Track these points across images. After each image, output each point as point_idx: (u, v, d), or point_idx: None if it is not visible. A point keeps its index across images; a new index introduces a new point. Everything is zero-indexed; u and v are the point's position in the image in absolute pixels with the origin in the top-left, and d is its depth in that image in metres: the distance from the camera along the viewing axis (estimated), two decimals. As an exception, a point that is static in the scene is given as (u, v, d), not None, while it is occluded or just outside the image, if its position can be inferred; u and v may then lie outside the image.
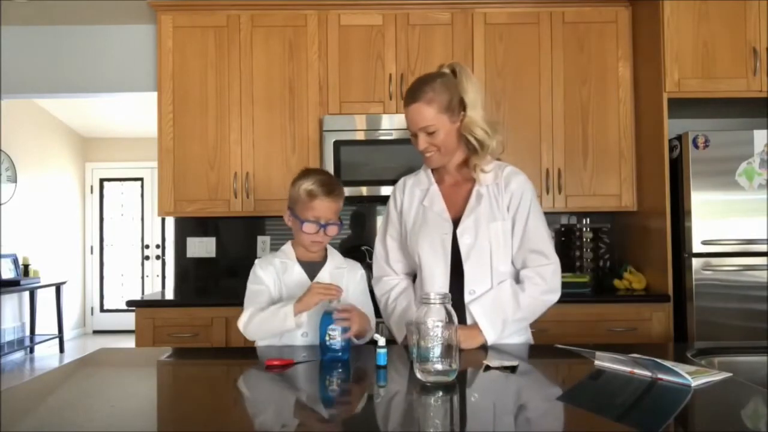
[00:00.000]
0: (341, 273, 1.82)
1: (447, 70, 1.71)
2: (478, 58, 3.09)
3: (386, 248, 1.86)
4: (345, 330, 1.54)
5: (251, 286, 1.80)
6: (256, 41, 3.13)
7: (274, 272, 1.79)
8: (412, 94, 1.67)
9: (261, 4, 3.12)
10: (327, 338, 1.53)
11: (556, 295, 1.71)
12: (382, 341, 1.43)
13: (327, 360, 1.53)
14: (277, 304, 1.68)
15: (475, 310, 1.65)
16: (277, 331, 1.68)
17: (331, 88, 3.11)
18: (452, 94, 1.65)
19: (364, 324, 1.69)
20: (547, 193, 3.05)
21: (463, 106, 1.67)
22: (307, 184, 1.75)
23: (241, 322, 1.72)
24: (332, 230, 1.78)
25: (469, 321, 1.67)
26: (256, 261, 1.85)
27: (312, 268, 1.80)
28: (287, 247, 1.85)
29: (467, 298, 1.67)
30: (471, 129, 1.68)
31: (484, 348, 1.63)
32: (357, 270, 1.88)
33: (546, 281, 1.69)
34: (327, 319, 1.55)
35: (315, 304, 1.60)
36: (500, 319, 1.65)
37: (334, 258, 1.86)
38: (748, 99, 2.81)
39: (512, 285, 1.70)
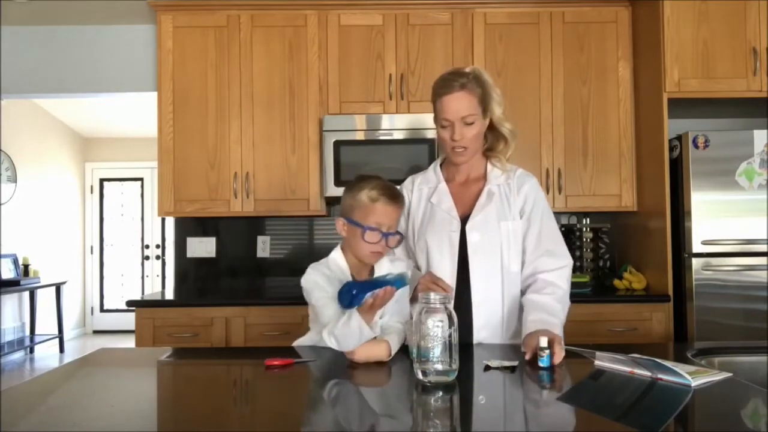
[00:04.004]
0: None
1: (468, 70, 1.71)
2: (478, 58, 3.08)
3: None
4: (372, 292, 1.44)
5: (321, 298, 1.58)
6: (256, 41, 3.13)
7: (336, 282, 1.61)
8: (452, 84, 1.64)
9: (261, 4, 3.12)
10: (354, 290, 1.44)
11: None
12: (544, 342, 1.39)
13: (342, 290, 1.47)
14: (341, 318, 1.50)
15: (544, 327, 1.55)
16: (358, 342, 1.49)
17: (331, 88, 3.11)
18: (484, 91, 1.67)
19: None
20: (547, 193, 3.05)
21: (487, 105, 1.68)
22: (369, 189, 1.62)
23: (329, 342, 1.52)
24: (394, 241, 1.63)
25: (475, 321, 1.67)
26: (313, 269, 1.65)
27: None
28: (339, 259, 1.67)
29: (474, 296, 1.68)
30: (503, 122, 1.72)
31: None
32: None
33: (565, 283, 1.71)
34: (377, 283, 1.46)
35: (380, 308, 1.48)
36: (559, 325, 1.62)
37: (381, 265, 1.69)
38: (748, 99, 2.81)
39: (541, 295, 1.66)
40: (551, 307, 1.64)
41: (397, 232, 1.65)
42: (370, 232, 1.58)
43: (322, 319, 1.56)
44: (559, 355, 1.44)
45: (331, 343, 1.50)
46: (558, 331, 1.59)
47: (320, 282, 1.60)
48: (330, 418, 1.16)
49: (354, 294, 1.43)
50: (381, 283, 1.45)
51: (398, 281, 1.46)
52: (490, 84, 1.69)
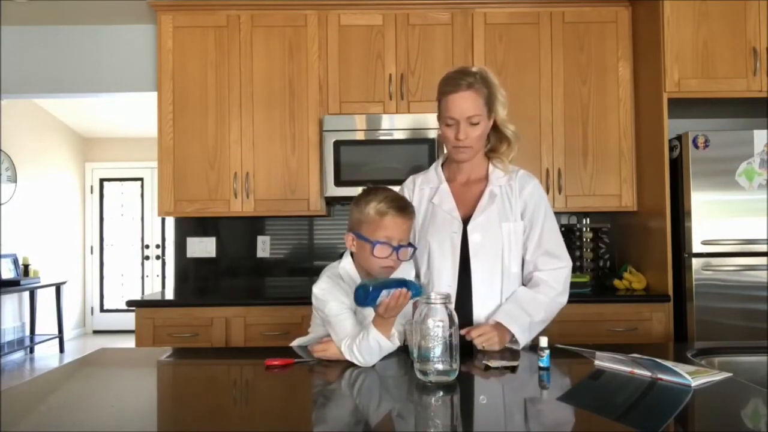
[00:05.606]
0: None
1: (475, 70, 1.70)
2: (478, 58, 3.08)
3: None
4: (388, 290, 1.40)
5: (339, 311, 1.53)
6: (256, 41, 3.13)
7: (349, 291, 1.56)
8: (458, 83, 1.64)
9: (261, 4, 3.12)
10: (371, 286, 1.38)
11: (567, 297, 1.74)
12: (544, 342, 1.39)
13: (359, 286, 1.42)
14: (360, 334, 1.47)
15: (502, 318, 1.63)
16: (379, 356, 1.48)
17: (331, 88, 3.11)
18: (490, 92, 1.66)
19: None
20: (547, 193, 3.05)
21: (492, 105, 1.67)
22: (376, 202, 1.58)
23: (351, 358, 1.48)
24: (405, 253, 1.60)
25: (476, 322, 1.67)
26: (328, 278, 1.61)
27: None
28: (351, 269, 1.63)
29: (474, 297, 1.68)
30: (506, 124, 1.71)
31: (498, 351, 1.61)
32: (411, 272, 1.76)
33: (560, 284, 1.71)
34: (394, 283, 1.42)
35: (395, 313, 1.44)
36: (527, 323, 1.64)
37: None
38: (748, 99, 2.81)
39: (528, 289, 1.71)
40: (529, 303, 1.66)
41: (409, 244, 1.62)
42: (380, 247, 1.55)
43: (340, 332, 1.51)
44: (484, 339, 1.56)
45: (354, 359, 1.46)
46: (517, 324, 1.61)
47: (337, 293, 1.55)
48: (330, 418, 1.16)
49: (370, 290, 1.39)
50: (398, 283, 1.42)
51: (414, 287, 1.44)
52: (496, 85, 1.68)
